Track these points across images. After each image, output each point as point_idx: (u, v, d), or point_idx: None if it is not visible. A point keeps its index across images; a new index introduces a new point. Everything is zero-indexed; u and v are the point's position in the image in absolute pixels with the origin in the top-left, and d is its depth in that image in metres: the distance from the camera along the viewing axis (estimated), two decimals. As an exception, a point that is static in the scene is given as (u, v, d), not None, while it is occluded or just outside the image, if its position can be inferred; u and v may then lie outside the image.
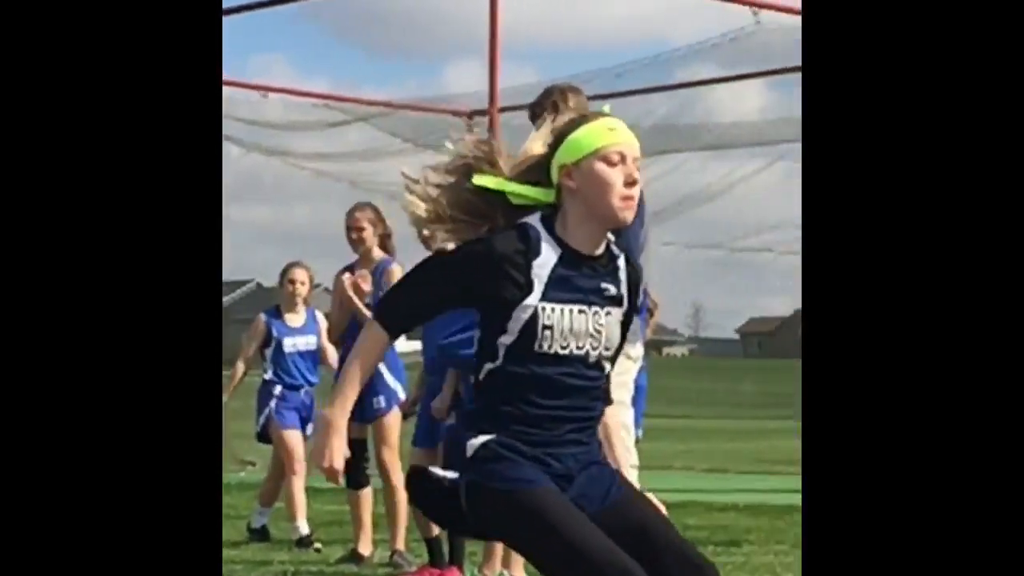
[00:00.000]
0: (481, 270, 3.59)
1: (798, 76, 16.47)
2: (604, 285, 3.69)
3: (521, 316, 3.61)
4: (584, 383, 3.68)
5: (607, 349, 3.70)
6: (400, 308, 3.67)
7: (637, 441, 7.31)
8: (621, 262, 3.75)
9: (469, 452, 3.61)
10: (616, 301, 3.72)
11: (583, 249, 3.66)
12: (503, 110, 12.21)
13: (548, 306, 3.61)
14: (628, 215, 3.62)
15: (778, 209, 25.19)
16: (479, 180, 3.66)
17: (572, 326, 3.64)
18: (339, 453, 3.56)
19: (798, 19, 11.39)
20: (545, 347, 3.63)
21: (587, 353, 3.68)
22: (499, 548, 7.12)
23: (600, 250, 3.70)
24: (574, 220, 3.67)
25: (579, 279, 3.67)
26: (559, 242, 3.65)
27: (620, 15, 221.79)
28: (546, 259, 3.62)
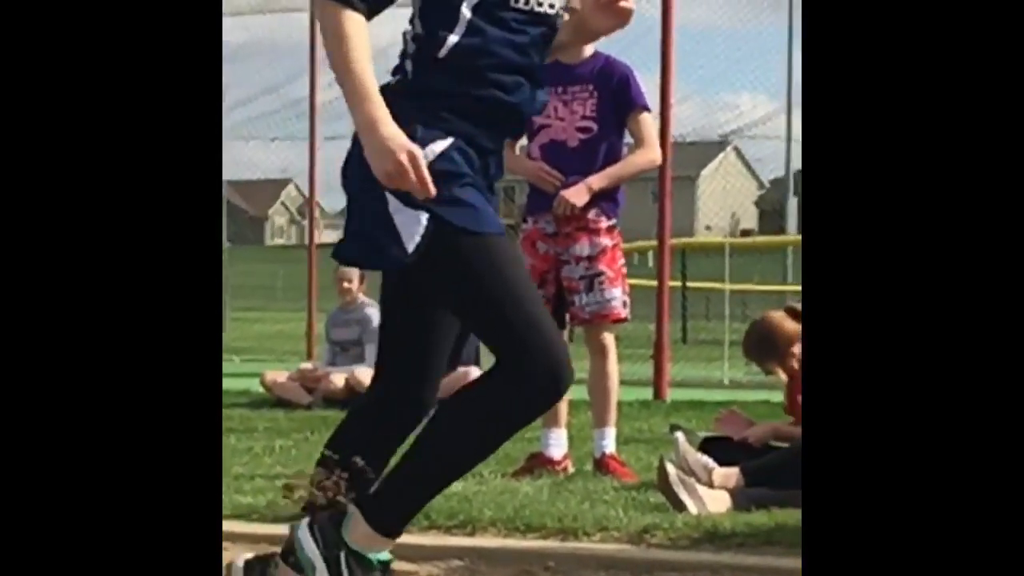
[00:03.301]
0: None
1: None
2: None
3: None
4: (541, 58, 3.04)
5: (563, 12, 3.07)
6: None
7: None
8: None
9: (423, 160, 2.89)
10: None
11: None
12: None
13: None
14: None
15: None
16: None
17: None
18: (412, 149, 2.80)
19: None
20: (522, 2, 2.99)
21: (556, 14, 3.06)
22: None
23: None
24: None
25: None
26: None
27: None
28: None
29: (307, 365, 10.67)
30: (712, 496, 4.98)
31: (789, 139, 30.51)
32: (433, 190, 2.87)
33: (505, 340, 2.95)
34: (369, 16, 2.94)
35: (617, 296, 6.03)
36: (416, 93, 3.00)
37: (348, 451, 3.18)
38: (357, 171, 3.00)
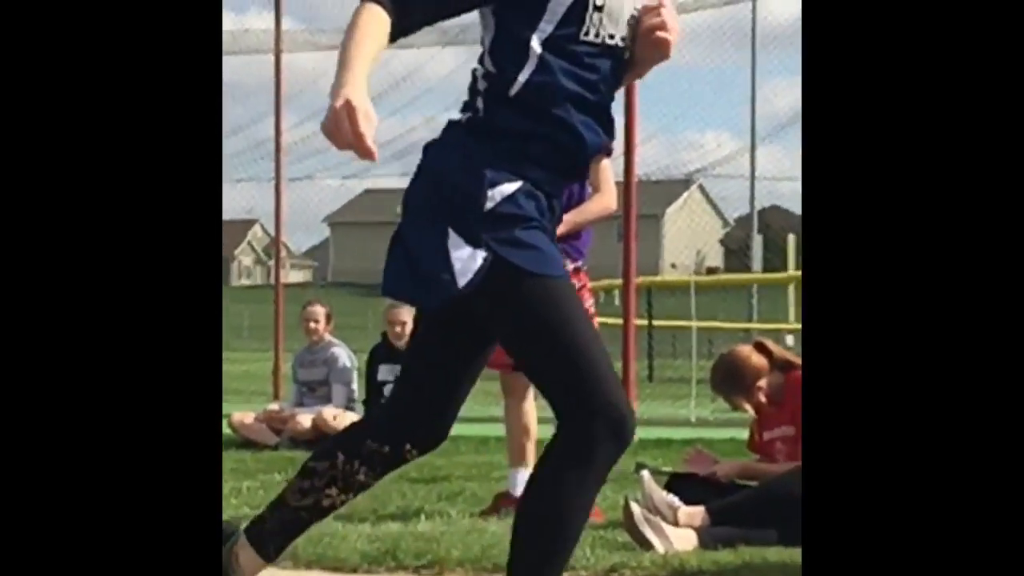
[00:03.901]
0: None
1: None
2: None
3: None
4: (611, 95, 3.03)
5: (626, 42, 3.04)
6: None
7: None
8: None
9: (491, 201, 2.92)
10: None
11: None
12: None
13: None
14: None
15: None
16: None
17: (623, 10, 2.98)
18: (369, 118, 2.70)
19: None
20: (592, 35, 2.96)
21: (624, 47, 3.03)
22: None
23: None
24: None
25: None
26: None
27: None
28: None
29: (274, 406, 10.65)
30: (678, 535, 5.00)
31: (753, 177, 30.71)
32: (374, 152, 2.77)
33: (564, 383, 2.92)
34: (399, 24, 2.88)
35: (584, 338, 6.05)
36: (486, 132, 2.99)
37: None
38: (416, 202, 3.01)
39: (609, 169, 6.27)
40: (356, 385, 10.42)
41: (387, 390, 10.03)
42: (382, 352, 10.19)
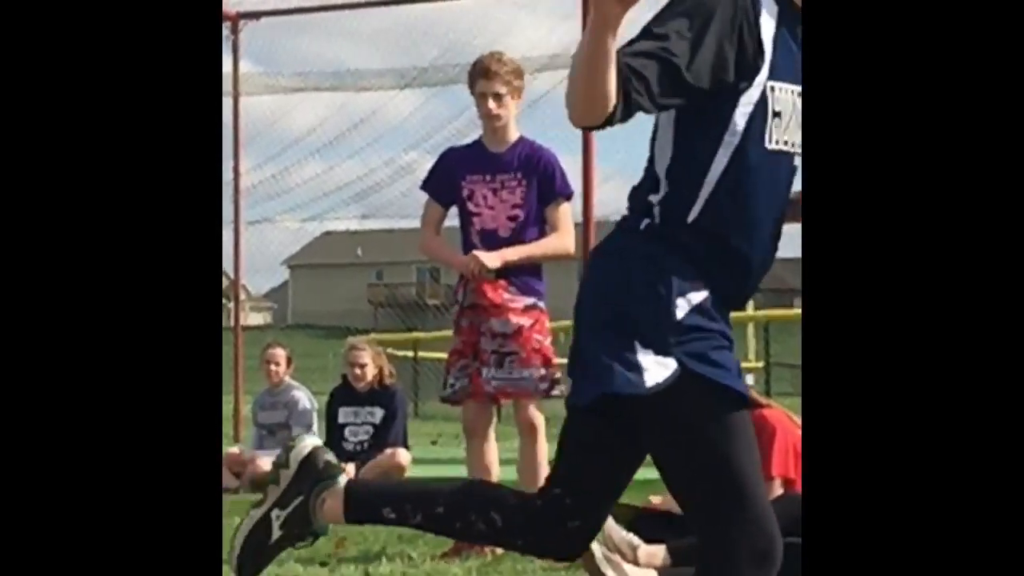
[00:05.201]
0: (726, 24, 2.65)
1: None
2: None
3: (751, 98, 2.73)
4: (785, 207, 2.85)
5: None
6: (649, 72, 2.62)
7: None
8: None
9: (681, 312, 2.76)
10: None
11: None
12: None
13: (777, 85, 2.76)
14: None
15: None
16: None
17: (794, 113, 2.78)
18: None
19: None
20: (775, 141, 2.77)
21: (797, 153, 2.84)
22: None
23: None
24: None
25: (795, 45, 2.78)
26: None
27: None
28: (768, 12, 2.74)
29: (234, 449, 10.60)
30: (639, 574, 5.00)
31: (712, 217, 30.78)
32: None
33: (719, 501, 2.83)
34: (626, 93, 2.63)
35: (529, 376, 6.05)
36: (667, 239, 2.84)
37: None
38: (597, 317, 2.88)
39: (569, 212, 6.32)
40: (316, 427, 10.39)
41: (348, 432, 10.00)
42: (342, 394, 10.16)
